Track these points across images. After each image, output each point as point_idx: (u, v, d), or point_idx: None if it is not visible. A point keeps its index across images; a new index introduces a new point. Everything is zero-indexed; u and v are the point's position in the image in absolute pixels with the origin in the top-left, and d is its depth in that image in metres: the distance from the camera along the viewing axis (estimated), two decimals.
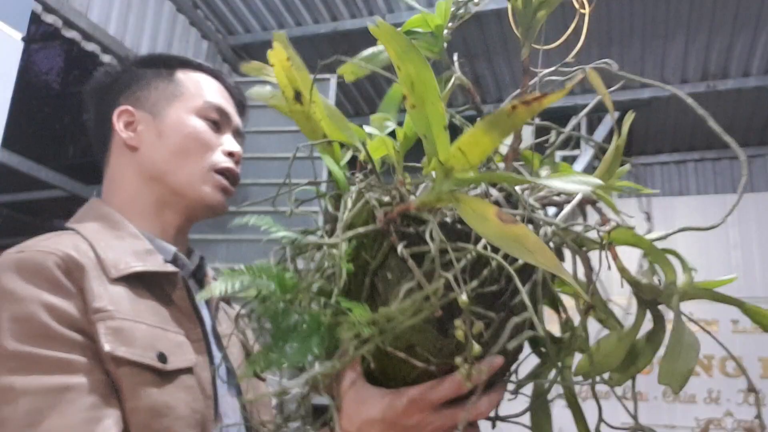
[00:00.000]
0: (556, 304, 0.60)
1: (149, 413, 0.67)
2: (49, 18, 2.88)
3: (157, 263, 0.79)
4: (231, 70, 4.26)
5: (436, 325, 0.52)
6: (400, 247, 0.51)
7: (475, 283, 0.49)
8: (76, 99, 5.58)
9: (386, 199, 0.56)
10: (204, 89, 0.91)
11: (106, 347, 0.67)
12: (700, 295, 0.55)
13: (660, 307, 0.56)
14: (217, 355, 0.81)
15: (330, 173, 0.62)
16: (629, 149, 5.06)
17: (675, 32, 3.73)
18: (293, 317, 0.53)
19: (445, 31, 0.65)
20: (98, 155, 0.92)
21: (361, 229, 0.54)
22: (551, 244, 0.54)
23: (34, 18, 2.72)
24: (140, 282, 0.76)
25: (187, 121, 0.86)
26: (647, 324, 0.57)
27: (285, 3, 3.76)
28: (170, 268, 0.80)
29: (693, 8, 3.53)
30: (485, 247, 0.50)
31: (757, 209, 3.90)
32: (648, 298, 0.56)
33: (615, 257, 0.55)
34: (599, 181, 0.53)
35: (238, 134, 0.94)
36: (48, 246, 0.72)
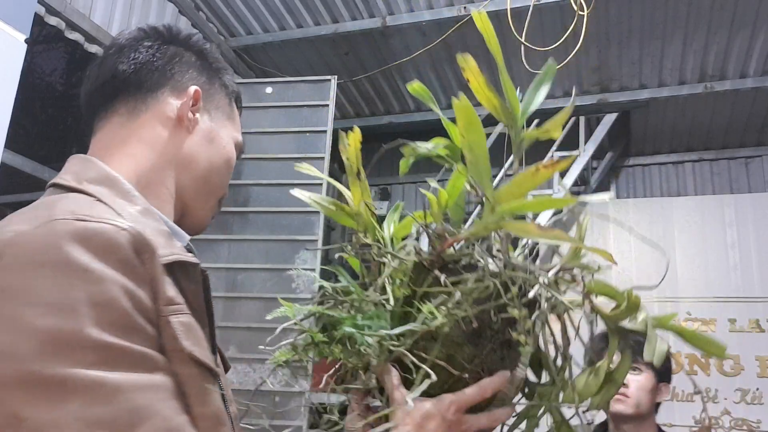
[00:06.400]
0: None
1: (214, 420, 0.60)
2: (52, 20, 2.90)
3: (182, 251, 0.67)
4: (233, 72, 4.28)
5: (470, 339, 0.68)
6: (443, 278, 0.68)
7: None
8: (79, 100, 5.60)
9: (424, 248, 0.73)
10: (240, 129, 0.89)
11: (186, 345, 0.59)
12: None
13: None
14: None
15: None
16: (627, 150, 5.09)
17: (673, 34, 3.76)
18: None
19: None
20: (107, 96, 0.77)
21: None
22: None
23: (38, 20, 2.74)
24: (170, 271, 0.63)
25: (230, 147, 0.83)
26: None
27: (286, 5, 3.78)
28: (192, 258, 0.67)
29: (691, 10, 3.56)
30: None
31: (754, 209, 3.92)
32: (613, 326, 0.71)
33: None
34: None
35: None
36: (113, 218, 0.60)
